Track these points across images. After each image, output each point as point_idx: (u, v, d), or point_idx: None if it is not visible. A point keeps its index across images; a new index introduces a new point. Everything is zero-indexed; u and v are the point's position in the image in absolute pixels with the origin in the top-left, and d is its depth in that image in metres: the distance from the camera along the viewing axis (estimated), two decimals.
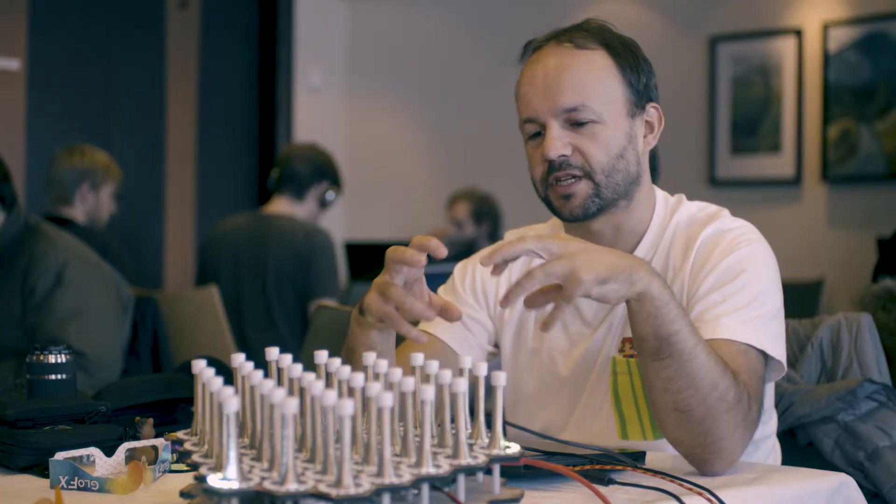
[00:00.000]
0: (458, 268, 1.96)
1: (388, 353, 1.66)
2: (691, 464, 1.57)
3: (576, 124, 1.72)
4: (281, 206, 4.24)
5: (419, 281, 1.57)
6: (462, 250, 4.92)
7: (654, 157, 3.10)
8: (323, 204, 4.29)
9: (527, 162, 1.79)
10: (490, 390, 1.28)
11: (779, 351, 1.66)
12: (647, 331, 1.52)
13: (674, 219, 1.80)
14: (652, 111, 1.79)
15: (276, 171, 4.30)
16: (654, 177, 3.42)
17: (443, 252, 1.49)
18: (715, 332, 1.62)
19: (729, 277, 1.67)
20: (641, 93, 1.77)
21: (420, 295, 1.56)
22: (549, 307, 1.50)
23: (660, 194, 1.84)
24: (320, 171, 4.25)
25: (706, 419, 1.52)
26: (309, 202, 4.25)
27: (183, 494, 1.29)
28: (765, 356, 1.64)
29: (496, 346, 1.92)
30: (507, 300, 1.48)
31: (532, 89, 1.75)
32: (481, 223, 5.56)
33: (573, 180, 1.72)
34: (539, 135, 1.75)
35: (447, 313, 1.53)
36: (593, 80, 1.73)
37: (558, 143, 1.71)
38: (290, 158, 4.30)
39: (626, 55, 1.76)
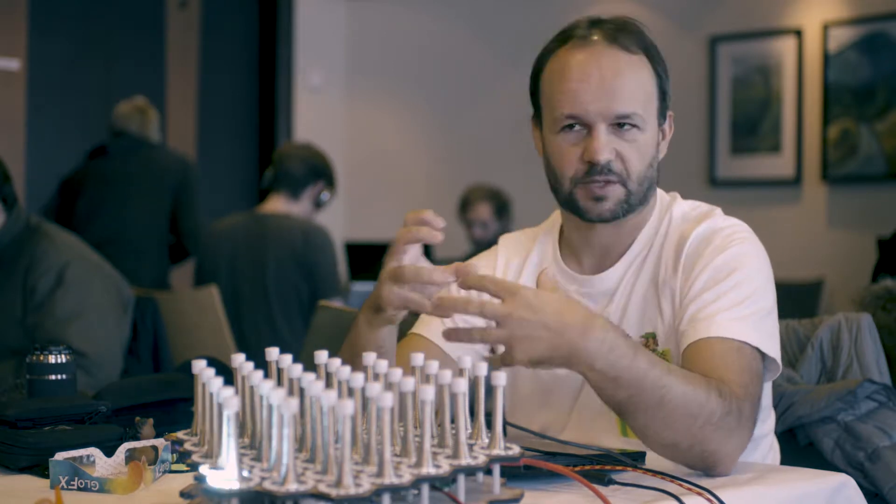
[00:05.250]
0: None
1: (392, 350, 1.68)
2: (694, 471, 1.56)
3: (619, 128, 1.71)
4: (277, 204, 4.23)
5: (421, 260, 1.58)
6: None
7: None
8: (318, 204, 4.28)
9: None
10: (490, 390, 1.28)
11: (773, 349, 1.65)
12: (604, 397, 1.52)
13: (667, 216, 1.80)
14: (668, 119, 1.80)
15: (271, 170, 4.28)
16: None
17: (439, 222, 1.54)
18: (709, 330, 1.62)
19: (722, 276, 1.67)
20: (666, 102, 1.78)
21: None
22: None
23: (659, 193, 1.84)
24: (316, 172, 4.24)
25: (694, 445, 1.51)
26: (304, 202, 4.24)
27: (183, 494, 1.29)
28: (761, 354, 1.64)
29: (492, 350, 1.91)
30: (440, 308, 1.47)
31: (585, 87, 1.72)
32: (503, 217, 5.57)
33: (608, 183, 1.72)
34: (572, 128, 1.73)
35: (462, 272, 1.50)
36: (642, 88, 1.73)
37: (607, 147, 1.70)
38: (285, 158, 4.28)
39: (660, 61, 1.78)
